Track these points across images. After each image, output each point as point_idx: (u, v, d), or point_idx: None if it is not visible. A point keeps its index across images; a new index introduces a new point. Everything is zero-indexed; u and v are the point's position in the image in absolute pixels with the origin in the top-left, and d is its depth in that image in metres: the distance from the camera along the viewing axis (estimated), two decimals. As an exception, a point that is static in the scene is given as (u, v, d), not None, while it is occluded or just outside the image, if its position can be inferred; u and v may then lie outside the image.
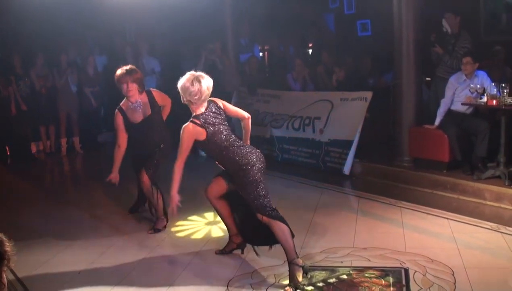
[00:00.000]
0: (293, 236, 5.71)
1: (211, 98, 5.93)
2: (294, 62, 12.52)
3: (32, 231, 7.65)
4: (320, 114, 10.68)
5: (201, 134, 5.73)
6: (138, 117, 7.37)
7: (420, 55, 9.55)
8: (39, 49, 12.96)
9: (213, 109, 5.84)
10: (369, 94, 10.08)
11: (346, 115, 10.28)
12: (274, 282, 5.68)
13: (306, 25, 14.78)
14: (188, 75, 5.76)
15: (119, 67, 7.49)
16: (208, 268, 6.15)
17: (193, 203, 8.54)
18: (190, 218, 7.95)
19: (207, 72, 5.95)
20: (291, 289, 5.50)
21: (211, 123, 5.76)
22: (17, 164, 12.40)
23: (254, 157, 5.82)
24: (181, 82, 5.74)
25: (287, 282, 5.62)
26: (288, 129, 11.15)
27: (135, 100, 7.37)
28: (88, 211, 8.60)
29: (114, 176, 7.43)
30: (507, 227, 7.03)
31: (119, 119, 7.35)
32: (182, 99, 5.82)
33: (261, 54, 15.17)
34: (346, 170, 9.99)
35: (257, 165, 5.80)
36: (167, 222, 7.59)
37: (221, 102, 5.98)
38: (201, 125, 5.71)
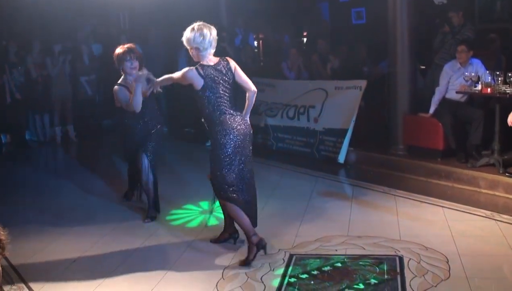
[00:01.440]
0: (250, 218, 5.95)
1: (227, 57, 6.05)
2: (289, 51, 12.50)
3: (26, 220, 7.63)
4: (315, 103, 10.67)
5: (198, 83, 5.80)
6: None
7: (415, 43, 9.56)
8: (34, 38, 12.89)
9: (222, 69, 5.88)
10: (363, 83, 10.07)
11: (340, 104, 10.27)
12: (269, 271, 5.68)
13: (301, 13, 14.76)
14: (188, 27, 5.85)
15: (114, 49, 7.38)
16: (203, 257, 6.14)
17: (188, 192, 8.57)
18: (185, 206, 7.94)
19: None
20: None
21: (211, 78, 5.81)
22: (12, 153, 12.38)
23: (237, 132, 5.86)
24: (184, 35, 5.85)
25: (282, 270, 5.64)
26: (283, 118, 11.13)
27: (134, 76, 7.17)
28: (82, 199, 8.59)
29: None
30: (501, 215, 7.06)
31: (125, 90, 7.15)
32: (191, 53, 5.91)
33: (256, 43, 15.14)
34: (341, 158, 9.99)
35: (235, 141, 5.85)
36: (158, 212, 7.58)
37: (234, 64, 5.99)
38: (202, 76, 5.78)
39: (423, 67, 10.84)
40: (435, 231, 6.65)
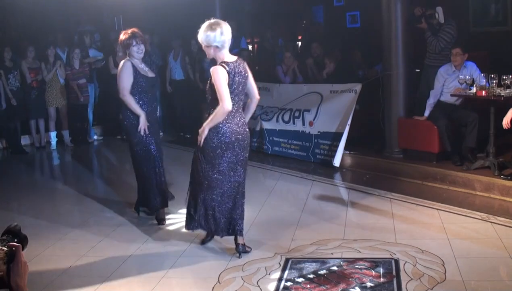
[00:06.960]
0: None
1: (243, 59, 6.09)
2: (284, 55, 12.51)
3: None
4: (310, 107, 10.68)
5: (226, 79, 5.73)
6: (146, 74, 7.15)
7: (409, 46, 9.58)
8: (28, 43, 12.85)
9: (240, 69, 5.86)
10: (358, 87, 10.08)
11: (335, 108, 10.28)
12: (265, 275, 5.68)
13: (295, 17, 14.78)
14: (204, 25, 5.82)
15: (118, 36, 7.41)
16: (199, 261, 6.14)
17: (183, 196, 8.54)
18: (180, 211, 7.92)
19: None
20: None
21: (233, 75, 5.75)
22: (7, 158, 12.36)
23: (234, 135, 5.89)
24: (200, 33, 5.81)
25: (278, 274, 5.64)
26: (278, 122, 11.14)
27: (141, 62, 7.17)
28: (77, 204, 8.58)
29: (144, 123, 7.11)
30: (496, 217, 7.07)
31: (130, 71, 6.97)
32: (207, 53, 5.89)
33: (250, 47, 15.13)
34: (336, 162, 9.99)
35: (226, 143, 5.87)
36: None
37: (247, 67, 6.04)
38: (228, 72, 5.72)
39: (418, 70, 10.85)
40: (431, 233, 6.66)
